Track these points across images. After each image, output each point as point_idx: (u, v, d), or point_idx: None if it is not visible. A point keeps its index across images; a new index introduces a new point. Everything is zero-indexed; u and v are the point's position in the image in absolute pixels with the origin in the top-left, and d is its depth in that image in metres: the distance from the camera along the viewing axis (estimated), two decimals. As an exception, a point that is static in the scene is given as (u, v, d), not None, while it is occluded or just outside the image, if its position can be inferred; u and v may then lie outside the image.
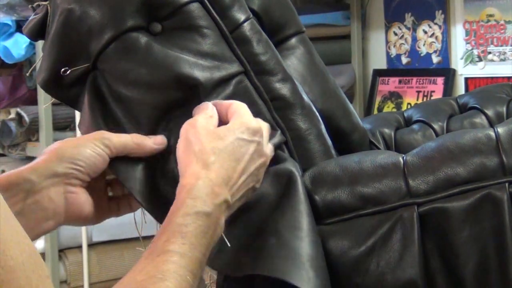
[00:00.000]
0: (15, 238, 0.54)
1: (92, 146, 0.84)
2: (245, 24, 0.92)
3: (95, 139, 0.85)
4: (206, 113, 0.83)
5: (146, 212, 0.90)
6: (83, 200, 0.85)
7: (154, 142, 0.87)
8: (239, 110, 0.84)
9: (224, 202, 0.77)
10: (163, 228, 0.74)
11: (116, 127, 0.88)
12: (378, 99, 3.11)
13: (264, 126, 0.86)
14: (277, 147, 0.90)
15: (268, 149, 0.85)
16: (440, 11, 2.90)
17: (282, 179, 0.85)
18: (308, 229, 0.81)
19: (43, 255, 2.71)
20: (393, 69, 3.09)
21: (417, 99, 2.96)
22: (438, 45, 2.93)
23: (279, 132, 0.91)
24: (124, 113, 0.89)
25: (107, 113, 0.90)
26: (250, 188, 0.82)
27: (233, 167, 0.80)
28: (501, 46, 2.73)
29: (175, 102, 0.87)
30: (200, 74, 0.87)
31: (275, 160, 0.87)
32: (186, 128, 0.82)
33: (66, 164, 0.83)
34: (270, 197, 0.85)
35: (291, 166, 0.86)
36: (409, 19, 3.02)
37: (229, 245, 0.80)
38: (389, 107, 3.06)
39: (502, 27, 2.72)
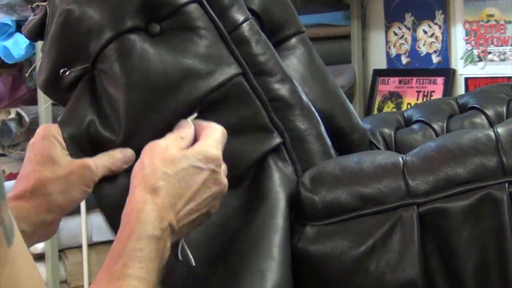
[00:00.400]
0: None
1: (80, 189, 0.86)
2: (244, 24, 0.92)
3: (83, 178, 0.86)
4: (177, 135, 0.83)
5: None
6: (56, 227, 0.89)
7: (124, 161, 0.88)
8: (208, 135, 0.84)
9: (169, 226, 0.78)
10: (118, 252, 0.74)
11: (103, 118, 0.89)
12: (378, 99, 3.11)
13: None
14: (274, 149, 0.90)
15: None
16: (440, 11, 2.90)
17: (261, 200, 0.86)
18: (279, 254, 0.82)
19: (43, 255, 2.71)
20: (393, 69, 3.09)
21: (417, 99, 2.96)
22: (438, 45, 2.93)
23: (275, 133, 0.91)
24: (111, 112, 0.89)
25: (96, 106, 0.90)
26: (203, 214, 0.82)
27: (179, 193, 0.79)
28: (501, 46, 2.73)
29: (166, 110, 0.87)
30: (190, 84, 0.87)
31: (264, 175, 0.88)
32: (145, 150, 0.82)
33: (55, 213, 0.86)
34: (241, 216, 0.86)
35: (276, 184, 0.87)
36: (409, 19, 3.02)
37: (193, 264, 0.82)
38: (389, 107, 3.06)
39: (502, 27, 2.72)
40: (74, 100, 0.91)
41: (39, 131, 0.89)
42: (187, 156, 0.81)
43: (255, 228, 0.85)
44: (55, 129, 0.89)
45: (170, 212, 0.78)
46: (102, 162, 0.87)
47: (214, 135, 0.83)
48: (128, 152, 0.88)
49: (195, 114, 0.87)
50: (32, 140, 0.89)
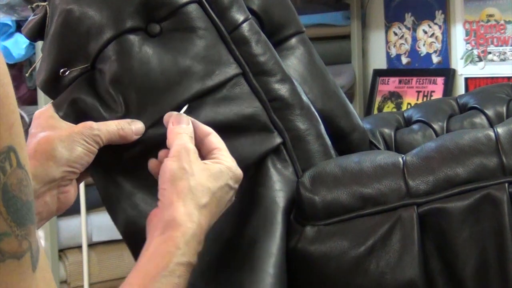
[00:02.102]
0: None
1: (84, 145, 0.83)
2: (244, 24, 0.92)
3: (85, 135, 0.84)
4: (186, 135, 0.81)
5: None
6: (72, 193, 0.86)
7: (135, 132, 0.86)
8: (223, 148, 0.82)
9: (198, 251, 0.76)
10: (156, 271, 0.72)
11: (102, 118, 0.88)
12: (378, 99, 3.11)
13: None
14: (274, 149, 0.90)
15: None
16: (440, 11, 2.90)
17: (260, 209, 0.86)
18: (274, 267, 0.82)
19: (43, 255, 2.71)
20: (393, 69, 3.09)
21: (417, 99, 2.96)
22: (438, 45, 2.93)
23: (275, 133, 0.91)
24: (110, 112, 0.89)
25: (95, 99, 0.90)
26: None
27: (216, 213, 0.78)
28: (501, 46, 2.73)
29: (164, 111, 0.87)
30: (190, 85, 0.87)
31: (263, 181, 0.88)
32: (180, 150, 0.79)
33: (63, 168, 0.83)
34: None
35: (274, 188, 0.87)
36: (409, 19, 3.02)
37: None
38: (389, 107, 3.06)
39: (502, 27, 2.72)
40: (70, 88, 0.90)
41: (35, 115, 0.88)
42: (223, 172, 0.79)
43: (251, 231, 0.85)
44: (50, 107, 0.89)
45: (206, 232, 0.77)
46: (107, 127, 0.85)
47: (226, 149, 0.82)
48: (139, 124, 0.86)
49: (186, 106, 0.87)
50: (31, 127, 0.87)
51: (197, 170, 0.77)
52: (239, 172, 0.81)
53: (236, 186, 0.81)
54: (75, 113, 0.88)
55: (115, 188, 0.89)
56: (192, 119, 0.84)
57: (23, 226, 0.49)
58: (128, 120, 0.87)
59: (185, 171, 0.77)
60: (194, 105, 0.88)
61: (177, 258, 0.73)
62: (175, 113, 0.84)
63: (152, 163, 0.84)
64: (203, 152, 0.81)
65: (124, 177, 0.88)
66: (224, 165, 0.80)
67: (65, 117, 0.88)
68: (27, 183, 0.49)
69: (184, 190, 0.76)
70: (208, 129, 0.83)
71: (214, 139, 0.82)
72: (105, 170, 0.88)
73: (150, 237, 0.75)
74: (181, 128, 0.81)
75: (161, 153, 0.83)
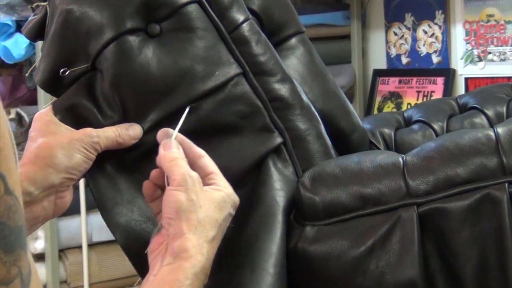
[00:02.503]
0: None
1: (83, 152, 0.84)
2: (244, 24, 0.92)
3: (85, 142, 0.84)
4: (182, 160, 0.80)
5: None
6: (68, 198, 0.87)
7: (133, 137, 0.87)
8: (219, 173, 0.82)
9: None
10: None
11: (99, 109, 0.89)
12: (378, 99, 3.11)
13: None
14: (275, 149, 0.90)
15: None
16: (440, 11, 2.90)
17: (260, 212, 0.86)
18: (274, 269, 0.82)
19: (43, 255, 2.71)
20: (393, 69, 3.10)
21: (417, 99, 2.96)
22: (438, 45, 2.93)
23: (276, 133, 0.91)
24: (110, 112, 0.89)
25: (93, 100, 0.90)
26: None
27: (219, 242, 0.79)
28: (501, 46, 2.73)
29: (164, 112, 0.87)
30: (189, 85, 0.87)
31: (262, 182, 0.88)
32: (185, 179, 0.78)
33: (62, 174, 0.83)
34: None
35: (275, 187, 0.87)
36: (409, 19, 3.02)
37: None
38: (389, 107, 3.06)
39: (502, 27, 2.72)
40: (70, 91, 0.91)
41: (35, 118, 0.89)
42: (226, 201, 0.79)
43: (251, 230, 0.85)
44: (49, 110, 0.89)
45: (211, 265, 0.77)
46: (105, 133, 0.85)
47: (221, 174, 0.82)
48: (137, 129, 0.87)
49: (187, 110, 0.87)
50: (30, 129, 0.88)
51: (204, 202, 0.77)
52: (237, 199, 0.81)
53: (233, 212, 0.81)
54: (74, 119, 0.89)
55: (114, 191, 0.89)
56: (185, 138, 0.83)
57: (12, 252, 0.49)
58: (126, 125, 0.87)
59: (193, 203, 0.77)
60: (195, 106, 0.88)
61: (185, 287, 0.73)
62: (165, 134, 0.84)
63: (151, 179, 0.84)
64: (199, 174, 0.81)
65: (122, 181, 0.89)
66: (224, 192, 0.80)
67: (63, 121, 0.88)
68: (16, 208, 0.49)
69: (194, 223, 0.76)
70: (201, 151, 0.83)
71: (208, 162, 0.82)
72: (103, 174, 0.89)
73: (158, 265, 0.75)
74: (173, 152, 0.81)
75: (154, 173, 0.83)
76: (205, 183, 0.80)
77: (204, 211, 0.77)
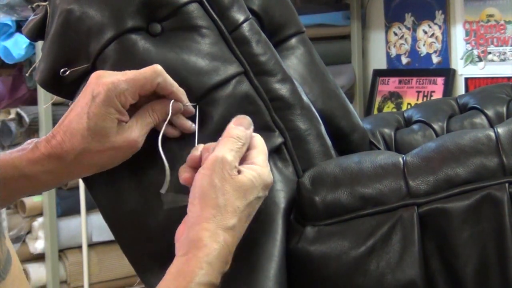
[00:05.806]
0: None
1: (117, 162, 0.84)
2: (244, 24, 0.92)
3: (126, 156, 0.84)
4: (234, 145, 0.78)
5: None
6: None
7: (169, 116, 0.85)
8: (261, 151, 0.80)
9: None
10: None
11: None
12: (378, 99, 3.11)
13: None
14: (276, 149, 0.90)
15: None
16: (440, 11, 2.90)
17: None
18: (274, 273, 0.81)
19: (43, 255, 2.71)
20: (393, 69, 3.10)
21: (417, 99, 2.96)
22: (438, 45, 2.93)
23: (277, 133, 0.90)
24: None
25: None
26: None
27: (244, 227, 0.77)
28: (501, 46, 2.73)
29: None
30: (196, 80, 0.86)
31: None
32: (214, 162, 0.76)
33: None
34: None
35: (275, 188, 0.86)
36: (409, 19, 3.02)
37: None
38: (389, 107, 3.06)
39: (502, 27, 2.72)
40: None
41: (99, 82, 0.80)
42: (255, 187, 0.77)
43: (251, 233, 0.84)
44: (119, 84, 0.81)
45: (233, 250, 0.76)
46: (145, 131, 0.83)
47: (264, 153, 0.80)
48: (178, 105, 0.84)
49: (197, 107, 0.87)
50: (92, 89, 0.80)
51: (228, 189, 0.75)
52: (270, 179, 0.79)
53: (266, 193, 0.79)
54: None
55: (121, 180, 0.88)
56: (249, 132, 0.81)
57: None
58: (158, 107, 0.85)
59: (215, 188, 0.75)
60: (203, 103, 0.87)
61: (199, 277, 0.72)
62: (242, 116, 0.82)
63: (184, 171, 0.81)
64: (252, 164, 0.79)
65: (128, 174, 0.88)
66: (256, 172, 0.77)
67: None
68: None
69: (213, 211, 0.74)
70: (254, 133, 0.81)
71: (256, 139, 0.81)
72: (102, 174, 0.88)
73: (175, 256, 0.75)
74: (236, 130, 0.79)
75: (207, 146, 0.80)
76: (243, 160, 0.79)
77: (226, 198, 0.75)
